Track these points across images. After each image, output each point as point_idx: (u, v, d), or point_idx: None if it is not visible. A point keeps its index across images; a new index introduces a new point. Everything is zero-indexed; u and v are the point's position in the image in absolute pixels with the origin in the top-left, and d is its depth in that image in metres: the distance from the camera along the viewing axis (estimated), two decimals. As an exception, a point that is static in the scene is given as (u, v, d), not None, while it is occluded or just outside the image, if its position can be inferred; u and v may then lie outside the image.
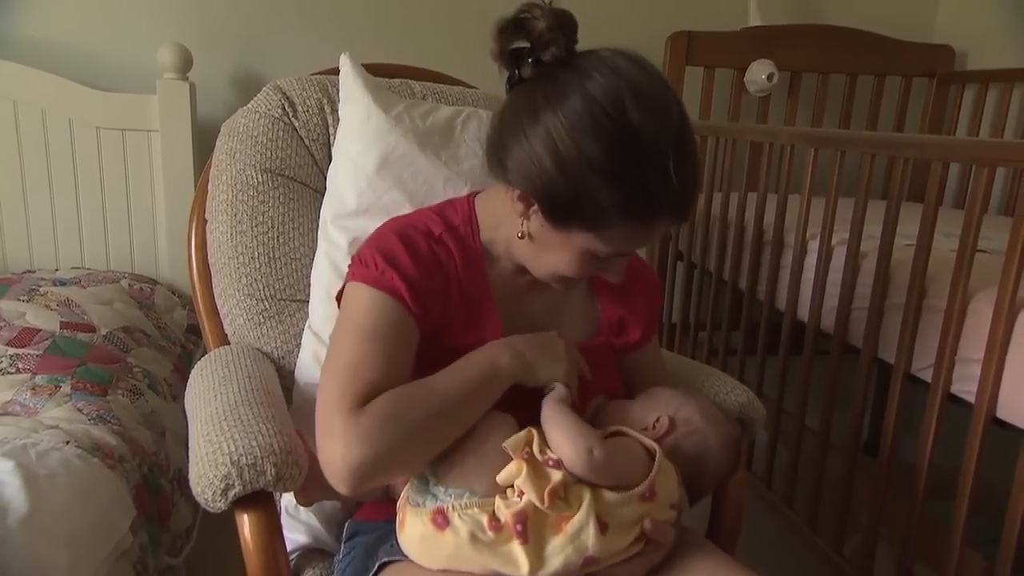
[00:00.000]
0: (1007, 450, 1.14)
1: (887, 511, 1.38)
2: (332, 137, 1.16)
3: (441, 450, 0.77)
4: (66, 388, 1.28)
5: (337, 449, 0.73)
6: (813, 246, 1.57)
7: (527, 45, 0.80)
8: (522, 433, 0.78)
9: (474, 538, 0.74)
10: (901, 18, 2.38)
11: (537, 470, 0.76)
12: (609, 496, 0.77)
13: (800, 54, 2.23)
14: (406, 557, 0.79)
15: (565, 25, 0.78)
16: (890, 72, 2.31)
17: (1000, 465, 1.19)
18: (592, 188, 0.75)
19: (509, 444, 0.77)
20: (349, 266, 0.88)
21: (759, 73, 2.15)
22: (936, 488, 1.28)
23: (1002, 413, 1.15)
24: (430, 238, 0.87)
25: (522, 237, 0.83)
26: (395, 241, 0.85)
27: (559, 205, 0.78)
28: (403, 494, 0.81)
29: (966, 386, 1.20)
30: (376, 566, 0.82)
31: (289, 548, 0.96)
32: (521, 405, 0.82)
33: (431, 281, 0.85)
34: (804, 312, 1.59)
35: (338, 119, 1.16)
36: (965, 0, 2.39)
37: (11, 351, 1.34)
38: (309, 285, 1.11)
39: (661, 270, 2.20)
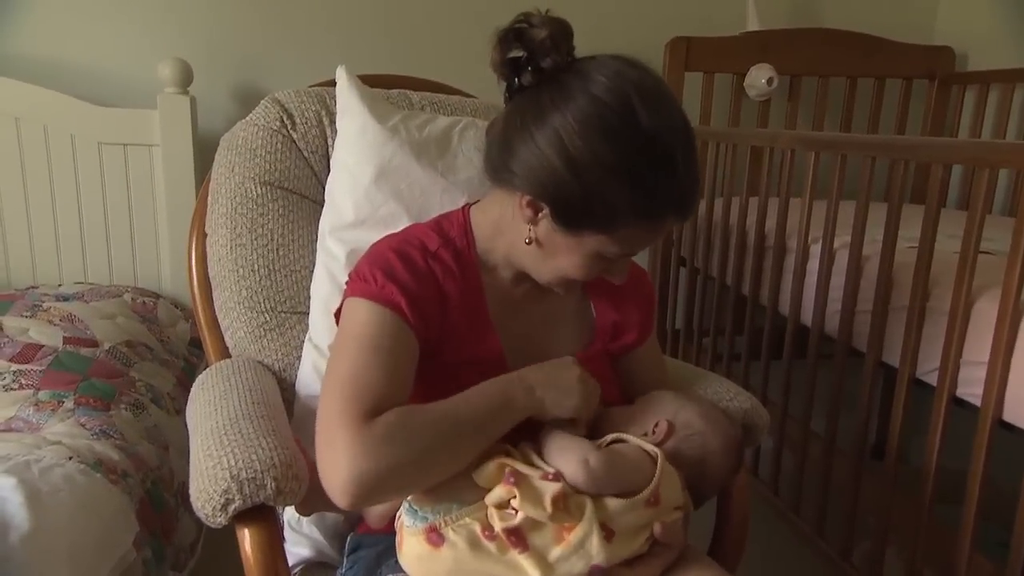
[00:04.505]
0: (1015, 453, 1.13)
1: (895, 516, 1.37)
2: (331, 149, 1.16)
3: (442, 478, 0.75)
4: (69, 403, 1.28)
5: (340, 461, 0.70)
6: (815, 250, 1.56)
7: (523, 54, 0.80)
8: (491, 464, 0.77)
9: (473, 547, 0.73)
10: (900, 20, 2.38)
11: (530, 487, 0.74)
12: (612, 503, 0.76)
13: (799, 58, 2.22)
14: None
15: (563, 33, 0.79)
16: (890, 74, 2.30)
17: (1008, 468, 1.17)
18: (605, 189, 0.75)
19: (479, 476, 0.76)
20: (347, 283, 0.87)
21: (759, 78, 2.15)
22: (944, 492, 1.27)
23: (1008, 415, 1.14)
24: (426, 253, 0.86)
25: (529, 243, 0.83)
26: (392, 256, 0.84)
27: (571, 209, 0.78)
28: (397, 514, 0.80)
29: (972, 389, 1.19)
30: None
31: (292, 562, 0.96)
32: (521, 429, 0.81)
33: (429, 295, 0.84)
34: (807, 316, 1.58)
35: (336, 131, 1.16)
36: (965, 1, 2.39)
37: (14, 367, 1.35)
38: (309, 297, 1.11)
39: (664, 276, 2.19)
